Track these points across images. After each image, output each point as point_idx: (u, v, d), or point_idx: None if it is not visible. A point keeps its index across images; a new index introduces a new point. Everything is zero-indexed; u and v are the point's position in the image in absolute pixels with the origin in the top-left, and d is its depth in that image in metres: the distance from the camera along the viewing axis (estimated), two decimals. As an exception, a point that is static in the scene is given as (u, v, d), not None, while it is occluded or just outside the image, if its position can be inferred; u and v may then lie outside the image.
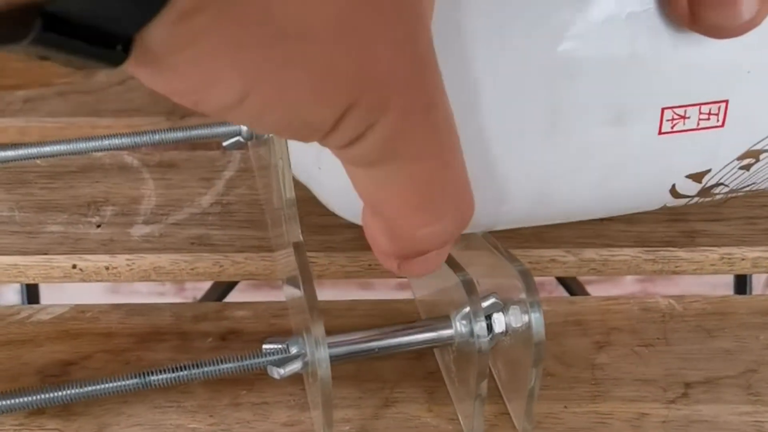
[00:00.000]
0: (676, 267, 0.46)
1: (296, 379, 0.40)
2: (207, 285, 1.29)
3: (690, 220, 0.47)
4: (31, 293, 0.98)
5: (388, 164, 0.29)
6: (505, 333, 0.37)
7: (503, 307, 0.37)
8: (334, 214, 0.47)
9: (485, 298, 0.37)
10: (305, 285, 0.36)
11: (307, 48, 0.25)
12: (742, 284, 0.98)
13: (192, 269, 0.46)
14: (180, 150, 0.53)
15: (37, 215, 0.47)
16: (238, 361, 0.37)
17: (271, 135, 0.42)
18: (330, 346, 0.36)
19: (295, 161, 0.40)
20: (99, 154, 0.51)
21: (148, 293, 1.26)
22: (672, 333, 0.43)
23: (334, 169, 0.34)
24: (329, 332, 0.37)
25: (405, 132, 0.28)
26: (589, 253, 0.46)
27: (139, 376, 0.37)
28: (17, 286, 1.13)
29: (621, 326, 0.43)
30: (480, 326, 0.36)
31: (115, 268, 0.45)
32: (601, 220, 0.47)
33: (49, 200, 0.48)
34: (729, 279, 1.01)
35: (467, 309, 0.36)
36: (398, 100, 0.27)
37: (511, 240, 0.46)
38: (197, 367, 0.37)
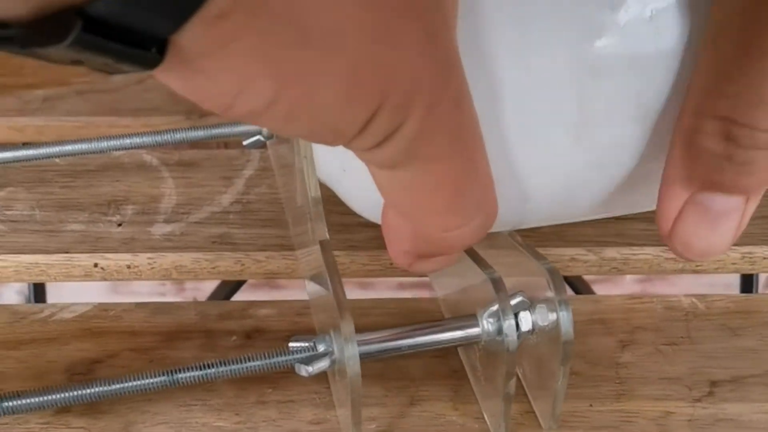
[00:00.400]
0: (697, 266, 0.46)
1: (321, 377, 0.40)
2: (207, 285, 1.29)
3: (711, 219, 0.47)
4: (38, 293, 0.98)
5: (414, 165, 0.29)
6: (532, 331, 0.37)
7: (530, 305, 0.37)
8: (355, 213, 0.47)
9: (513, 296, 0.37)
10: (333, 283, 0.36)
11: (336, 50, 0.26)
12: (748, 284, 0.98)
13: (213, 268, 0.46)
14: (199, 149, 0.53)
15: (57, 214, 0.47)
16: (265, 358, 0.37)
17: None
18: (359, 344, 0.36)
19: (318, 162, 0.40)
20: (118, 153, 0.51)
21: (148, 293, 1.26)
22: (696, 331, 0.43)
23: (358, 171, 0.34)
24: (357, 330, 0.37)
25: (431, 132, 0.28)
26: (611, 252, 0.46)
27: (167, 373, 0.37)
28: (18, 286, 1.14)
29: (645, 325, 0.43)
30: (508, 324, 0.36)
31: (137, 266, 0.45)
32: (622, 218, 0.47)
33: (69, 199, 0.48)
34: (732, 279, 1.01)
35: (495, 307, 0.36)
36: (424, 100, 0.27)
37: (531, 238, 0.46)
38: (224, 365, 0.37)
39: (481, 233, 0.32)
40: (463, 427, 0.39)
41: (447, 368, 0.41)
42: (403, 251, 0.34)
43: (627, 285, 1.30)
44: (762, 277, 1.19)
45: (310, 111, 0.27)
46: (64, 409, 0.39)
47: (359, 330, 0.37)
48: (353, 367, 0.34)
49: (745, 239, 0.46)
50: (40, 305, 0.44)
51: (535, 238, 0.46)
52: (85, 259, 0.45)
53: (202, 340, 0.42)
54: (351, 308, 0.42)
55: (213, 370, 0.37)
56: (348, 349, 0.34)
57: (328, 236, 0.39)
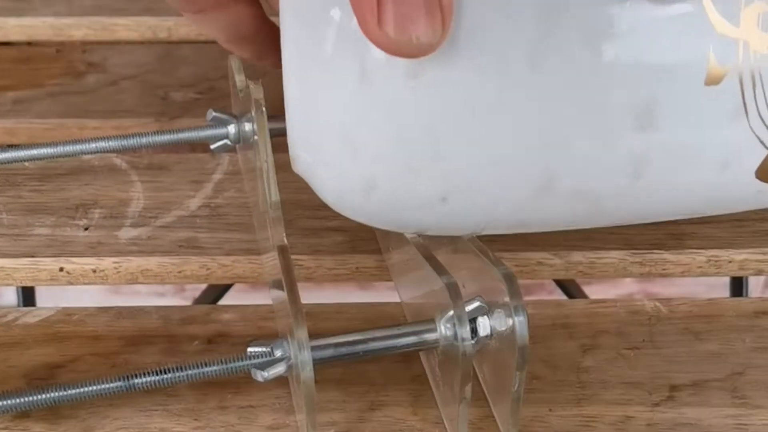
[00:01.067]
0: (664, 270, 0.46)
1: (282, 382, 0.40)
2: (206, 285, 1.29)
3: (680, 222, 0.47)
4: (27, 295, 0.98)
5: None
6: (490, 336, 0.37)
7: (488, 310, 0.37)
8: (323, 218, 0.47)
9: (470, 301, 0.37)
10: (289, 288, 0.36)
11: None
12: (738, 286, 0.98)
13: (179, 272, 0.46)
14: (169, 153, 0.53)
15: (25, 218, 0.47)
16: (222, 364, 0.37)
17: (256, 137, 0.42)
18: (314, 349, 0.36)
19: (293, 155, 0.40)
20: (88, 156, 0.51)
21: (147, 294, 1.26)
22: (659, 336, 0.43)
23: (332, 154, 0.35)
24: (317, 335, 0.37)
25: None
26: (577, 256, 0.46)
27: (124, 378, 0.37)
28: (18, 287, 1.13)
29: (608, 329, 0.43)
30: (464, 330, 0.36)
31: (102, 270, 0.46)
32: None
33: (37, 203, 0.48)
34: (726, 280, 1.01)
35: (451, 312, 0.36)
36: None
37: (498, 243, 0.46)
38: (181, 369, 0.37)
39: None
40: (423, 432, 0.39)
41: (409, 373, 0.41)
42: None
43: (627, 286, 1.30)
44: (761, 279, 1.19)
45: None
46: (23, 414, 0.39)
47: (322, 334, 0.38)
48: (307, 372, 0.35)
49: (711, 242, 0.46)
50: (5, 309, 0.44)
51: (501, 243, 0.46)
52: (50, 263, 0.45)
53: (165, 345, 0.42)
54: (313, 313, 0.43)
55: (169, 375, 0.37)
56: (301, 355, 0.35)
57: (285, 241, 0.39)
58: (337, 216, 0.47)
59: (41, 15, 0.62)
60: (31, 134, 0.54)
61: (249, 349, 0.37)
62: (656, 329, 0.43)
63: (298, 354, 0.35)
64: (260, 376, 0.36)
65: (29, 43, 0.59)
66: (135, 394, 0.40)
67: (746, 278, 0.97)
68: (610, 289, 1.25)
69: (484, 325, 0.37)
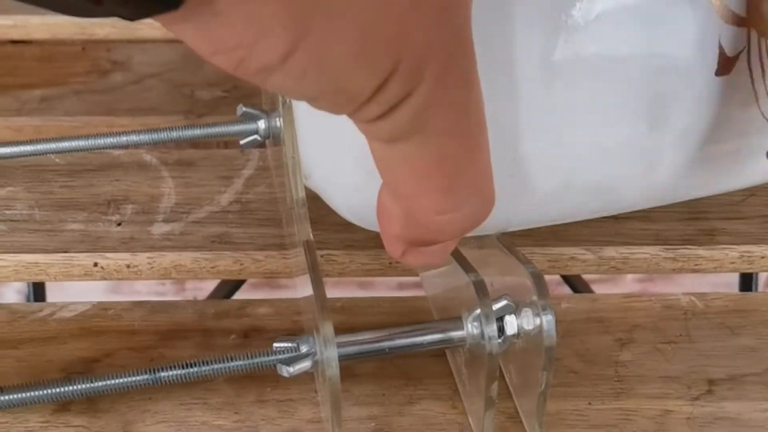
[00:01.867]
0: (696, 265, 0.46)
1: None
2: (207, 285, 1.29)
3: (710, 218, 0.47)
4: (37, 293, 0.98)
5: (418, 137, 0.29)
6: (517, 336, 0.36)
7: (515, 309, 0.36)
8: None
9: (497, 300, 0.36)
10: (315, 284, 0.36)
11: (354, 4, 0.26)
12: (747, 283, 0.98)
13: (212, 267, 0.46)
14: (198, 149, 0.53)
15: (57, 213, 0.47)
16: (248, 359, 0.37)
17: (283, 134, 0.42)
18: (340, 345, 0.36)
19: (305, 170, 0.40)
20: (117, 152, 0.51)
21: (147, 293, 1.26)
22: (694, 330, 0.43)
23: (343, 174, 0.34)
24: (350, 329, 0.37)
25: (439, 104, 0.28)
26: (610, 251, 0.46)
27: (150, 372, 0.37)
28: (18, 286, 1.13)
29: (643, 323, 0.43)
30: (491, 328, 0.36)
31: (137, 266, 0.46)
32: (620, 217, 0.47)
33: (69, 199, 0.48)
34: (732, 278, 1.01)
35: (478, 310, 0.36)
36: (436, 69, 0.27)
37: (530, 238, 0.46)
38: (207, 364, 0.37)
39: (474, 222, 0.32)
40: (462, 426, 0.39)
41: (447, 367, 0.41)
42: (395, 236, 0.34)
43: (627, 285, 1.30)
44: (762, 276, 1.19)
45: (324, 67, 0.26)
46: (63, 408, 0.39)
47: (356, 329, 0.38)
48: (332, 369, 0.34)
49: (742, 238, 0.46)
50: (40, 304, 0.44)
51: (533, 238, 0.46)
52: (84, 259, 0.45)
53: (200, 339, 0.42)
54: (347, 308, 0.43)
55: (195, 369, 0.37)
56: (327, 351, 0.34)
57: (311, 237, 0.39)
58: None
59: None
60: (60, 132, 0.54)
61: (275, 345, 0.37)
62: (692, 324, 0.43)
63: (324, 350, 0.35)
64: (286, 371, 0.36)
65: (27, 42, 0.59)
66: (172, 389, 0.40)
67: (756, 274, 0.97)
68: (612, 289, 1.25)
69: (511, 323, 0.36)
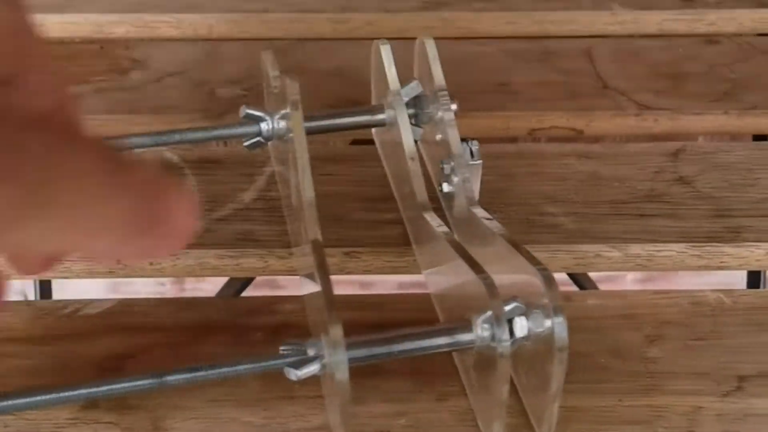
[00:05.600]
0: (722, 262, 0.46)
1: (352, 372, 0.40)
2: (206, 285, 1.29)
3: (735, 215, 0.47)
4: (43, 292, 0.98)
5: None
6: (527, 338, 0.36)
7: (525, 311, 0.36)
8: (378, 210, 0.47)
9: (507, 302, 0.36)
10: (323, 284, 0.36)
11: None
12: (755, 280, 0.97)
13: (237, 264, 0.46)
14: (220, 146, 0.53)
15: (80, 211, 0.47)
16: (255, 362, 0.36)
17: (291, 135, 0.42)
18: (348, 347, 0.35)
19: None
20: (139, 150, 0.51)
21: (147, 293, 1.26)
22: (723, 327, 0.43)
23: None
24: (381, 325, 0.37)
25: None
26: (635, 249, 0.46)
27: (156, 376, 0.36)
28: (18, 286, 1.13)
29: (672, 320, 0.43)
30: (502, 331, 0.35)
31: (160, 263, 0.45)
32: (646, 215, 0.47)
33: (91, 196, 0.48)
34: (738, 278, 1.01)
35: (489, 313, 0.35)
36: None
37: (554, 234, 0.46)
38: (213, 368, 0.36)
39: None
40: (494, 422, 0.39)
41: (475, 364, 0.41)
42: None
43: (628, 284, 1.30)
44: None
45: None
46: (92, 404, 0.39)
47: (385, 325, 0.37)
48: (342, 373, 0.34)
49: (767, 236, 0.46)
50: (63, 301, 0.44)
51: (558, 235, 0.46)
52: (108, 256, 0.45)
53: (231, 337, 0.42)
54: (377, 303, 0.42)
55: (202, 373, 0.36)
56: (335, 355, 0.34)
57: (320, 237, 0.38)
58: (393, 208, 0.47)
59: (83, 12, 0.62)
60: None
61: (282, 348, 0.36)
62: (720, 320, 0.43)
63: (332, 354, 0.34)
64: (294, 375, 0.35)
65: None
66: (202, 385, 0.39)
67: (764, 271, 0.96)
68: (612, 288, 1.25)
69: (521, 326, 0.35)
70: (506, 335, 0.35)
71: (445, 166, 0.44)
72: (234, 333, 0.42)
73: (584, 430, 0.38)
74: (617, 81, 0.58)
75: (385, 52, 0.47)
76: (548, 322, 0.35)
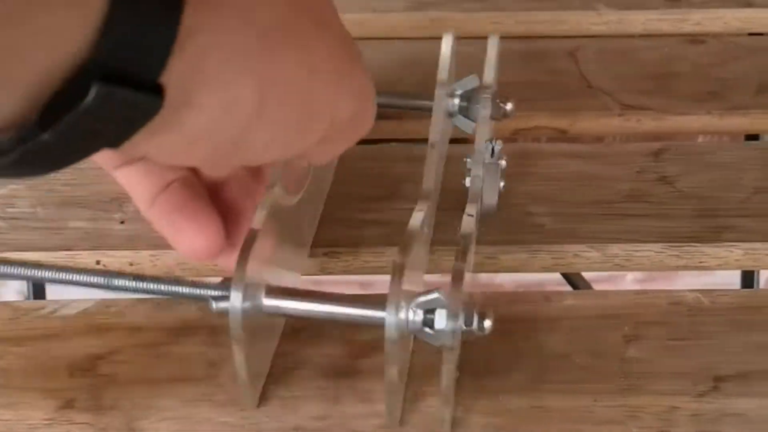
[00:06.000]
0: (700, 262, 0.46)
1: (325, 373, 0.40)
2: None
3: (717, 215, 0.47)
4: (36, 292, 0.98)
5: None
6: (427, 329, 0.36)
7: (445, 304, 0.36)
8: (362, 210, 0.47)
9: (430, 291, 0.36)
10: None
11: (288, 35, 0.32)
12: (749, 281, 0.97)
13: (215, 265, 0.45)
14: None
15: (59, 211, 0.47)
16: (191, 288, 0.37)
17: None
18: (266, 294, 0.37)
19: None
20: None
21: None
22: (701, 327, 0.43)
23: None
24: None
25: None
26: (614, 249, 0.46)
27: (104, 275, 0.38)
28: (17, 286, 1.13)
29: (651, 320, 0.43)
30: (390, 314, 0.35)
31: (139, 263, 0.45)
32: (628, 215, 0.47)
33: (72, 196, 0.48)
34: (734, 278, 1.01)
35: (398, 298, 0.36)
36: None
37: (536, 234, 0.46)
38: (155, 281, 0.38)
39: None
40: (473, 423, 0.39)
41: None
42: None
43: (628, 284, 1.30)
44: (763, 275, 1.18)
45: (294, 98, 0.32)
46: (67, 405, 0.39)
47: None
48: (234, 312, 0.36)
49: (749, 236, 0.46)
50: (42, 301, 0.44)
51: (539, 235, 0.46)
52: (87, 256, 0.45)
53: (207, 336, 0.42)
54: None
55: (144, 283, 0.38)
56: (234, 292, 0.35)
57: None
58: (376, 208, 0.47)
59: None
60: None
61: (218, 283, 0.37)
62: (698, 320, 0.43)
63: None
64: (213, 305, 0.37)
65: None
66: (178, 386, 0.39)
67: (758, 271, 0.96)
68: (612, 288, 1.25)
69: (440, 317, 0.36)
70: (394, 318, 0.35)
71: (467, 160, 0.44)
72: (210, 332, 0.42)
73: (558, 429, 0.38)
74: (602, 81, 0.57)
75: (446, 42, 0.47)
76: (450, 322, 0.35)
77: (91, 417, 0.38)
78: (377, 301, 0.37)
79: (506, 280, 0.99)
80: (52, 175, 0.48)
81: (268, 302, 0.37)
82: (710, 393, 0.40)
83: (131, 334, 0.42)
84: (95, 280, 0.37)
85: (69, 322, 0.43)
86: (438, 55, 0.48)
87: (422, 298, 0.36)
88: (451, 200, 0.45)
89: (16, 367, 0.40)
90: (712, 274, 0.97)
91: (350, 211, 0.47)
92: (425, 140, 0.45)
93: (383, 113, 0.53)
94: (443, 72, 0.47)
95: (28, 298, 0.95)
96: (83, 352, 0.41)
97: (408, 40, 0.61)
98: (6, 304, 0.44)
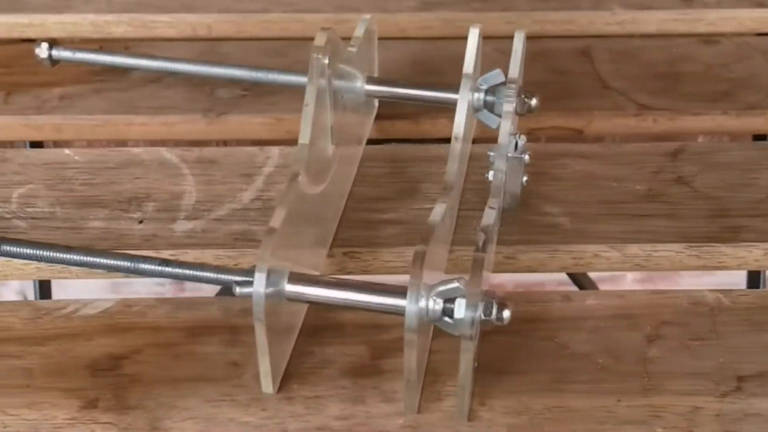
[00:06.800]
0: (720, 262, 0.46)
1: (348, 372, 0.40)
2: (205, 285, 1.28)
3: (733, 215, 0.47)
4: (43, 292, 0.98)
5: None
6: (446, 318, 0.37)
7: (464, 293, 0.36)
8: (379, 210, 0.47)
9: (449, 281, 0.36)
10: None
11: None
12: (755, 280, 0.97)
13: (236, 264, 0.45)
14: (219, 147, 0.53)
15: (78, 211, 0.47)
16: (216, 272, 0.39)
17: None
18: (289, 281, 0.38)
19: None
20: (137, 150, 0.51)
21: (146, 293, 1.25)
22: (722, 327, 0.43)
23: None
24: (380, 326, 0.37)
25: None
26: (633, 249, 0.46)
27: (129, 260, 0.40)
28: (17, 287, 1.13)
29: (671, 320, 0.43)
30: (412, 304, 0.36)
31: (158, 263, 0.45)
32: (646, 215, 0.47)
33: (90, 196, 0.48)
34: (739, 278, 1.01)
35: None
36: None
37: (553, 234, 0.46)
38: (180, 266, 0.40)
39: None
40: (492, 422, 0.39)
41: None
42: None
43: (627, 285, 1.29)
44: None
45: None
46: (90, 404, 0.39)
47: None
48: (257, 296, 0.36)
49: (766, 236, 0.46)
50: (63, 301, 0.44)
51: (558, 235, 0.46)
52: (107, 256, 0.45)
53: (227, 336, 0.42)
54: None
55: (169, 269, 0.39)
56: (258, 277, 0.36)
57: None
58: (395, 208, 0.47)
59: (82, 12, 0.62)
60: (79, 130, 0.54)
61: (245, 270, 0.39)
62: (719, 320, 0.43)
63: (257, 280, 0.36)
64: (236, 290, 0.37)
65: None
66: (200, 386, 0.39)
67: (764, 271, 0.96)
68: (613, 288, 1.25)
69: (459, 306, 0.36)
70: (414, 306, 0.35)
71: (490, 154, 0.44)
72: (231, 332, 0.42)
73: (581, 429, 0.38)
74: (617, 81, 0.57)
75: (472, 36, 0.47)
76: (469, 311, 0.35)
77: (114, 416, 0.38)
78: (398, 290, 0.38)
79: (506, 279, 0.99)
80: (70, 175, 0.49)
81: (291, 288, 0.38)
82: (733, 393, 0.40)
83: (152, 334, 0.42)
84: (121, 263, 0.38)
85: (90, 322, 0.42)
86: (450, 55, 0.48)
87: (442, 287, 0.36)
88: (471, 200, 0.46)
89: (38, 367, 0.40)
90: (715, 274, 0.97)
91: (369, 211, 0.47)
92: (441, 140, 0.45)
93: (399, 113, 0.54)
94: (469, 66, 0.47)
95: (36, 298, 0.95)
96: (105, 352, 0.41)
97: (419, 39, 0.61)
98: (26, 303, 0.44)
